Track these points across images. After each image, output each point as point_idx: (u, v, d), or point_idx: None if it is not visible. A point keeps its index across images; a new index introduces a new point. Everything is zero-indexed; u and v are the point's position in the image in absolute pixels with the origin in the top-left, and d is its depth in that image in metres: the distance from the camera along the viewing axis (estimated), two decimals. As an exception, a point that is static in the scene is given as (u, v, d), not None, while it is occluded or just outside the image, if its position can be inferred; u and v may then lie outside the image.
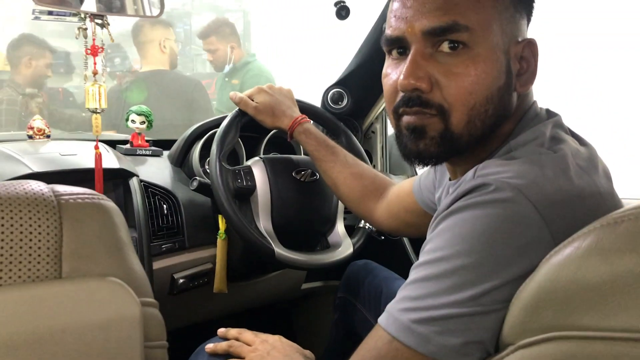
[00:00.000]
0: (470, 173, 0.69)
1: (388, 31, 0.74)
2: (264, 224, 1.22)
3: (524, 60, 0.73)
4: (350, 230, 1.35)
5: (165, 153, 1.47)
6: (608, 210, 0.55)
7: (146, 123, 1.45)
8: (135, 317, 0.46)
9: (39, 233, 0.43)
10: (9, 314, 0.40)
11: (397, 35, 0.72)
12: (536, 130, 0.71)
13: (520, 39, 0.73)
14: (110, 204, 0.51)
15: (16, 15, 4.10)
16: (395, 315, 0.64)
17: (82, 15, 1.02)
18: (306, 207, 1.27)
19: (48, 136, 1.39)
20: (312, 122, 1.21)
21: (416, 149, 0.73)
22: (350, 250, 1.29)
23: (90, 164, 1.16)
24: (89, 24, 1.02)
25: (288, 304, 1.72)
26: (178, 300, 1.31)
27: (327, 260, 1.25)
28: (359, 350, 0.68)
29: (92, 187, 1.13)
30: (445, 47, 0.69)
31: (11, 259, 0.42)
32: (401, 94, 0.72)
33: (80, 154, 1.24)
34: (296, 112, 1.21)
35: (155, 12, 1.09)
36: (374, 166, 1.64)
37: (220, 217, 1.27)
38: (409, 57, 0.71)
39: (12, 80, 2.69)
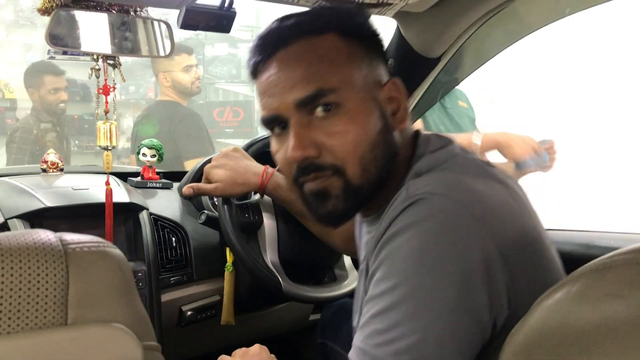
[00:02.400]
0: (401, 195, 0.71)
1: (264, 112, 0.79)
2: (271, 257, 1.23)
3: (393, 100, 0.79)
4: (357, 263, 1.37)
5: (176, 185, 1.50)
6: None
7: (157, 156, 1.48)
8: (137, 361, 0.48)
9: (47, 282, 0.45)
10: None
11: (274, 113, 0.77)
12: (432, 156, 0.77)
13: (383, 82, 0.79)
14: (115, 250, 0.53)
15: (34, 43, 4.22)
16: (370, 352, 0.65)
17: (95, 57, 1.05)
18: (312, 241, 1.28)
19: (61, 169, 1.43)
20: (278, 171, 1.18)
21: (326, 211, 0.78)
22: (357, 282, 1.30)
23: (101, 198, 1.19)
24: (101, 64, 1.06)
25: (296, 335, 1.72)
26: (186, 333, 1.33)
27: (333, 293, 1.26)
28: None
29: (102, 220, 1.16)
30: (319, 112, 0.75)
31: (19, 307, 0.44)
32: (295, 166, 0.76)
33: (92, 188, 1.27)
34: (258, 168, 1.18)
35: (166, 51, 1.13)
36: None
37: (227, 250, 1.29)
38: (291, 130, 0.75)
39: (34, 109, 2.75)
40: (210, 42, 4.36)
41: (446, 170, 0.74)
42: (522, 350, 0.56)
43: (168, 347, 1.25)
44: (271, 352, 1.46)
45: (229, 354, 1.08)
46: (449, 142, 0.80)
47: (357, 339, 0.67)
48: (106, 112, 1.08)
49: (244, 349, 0.93)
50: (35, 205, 1.15)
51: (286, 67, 0.75)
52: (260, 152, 1.27)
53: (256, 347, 0.93)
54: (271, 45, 0.77)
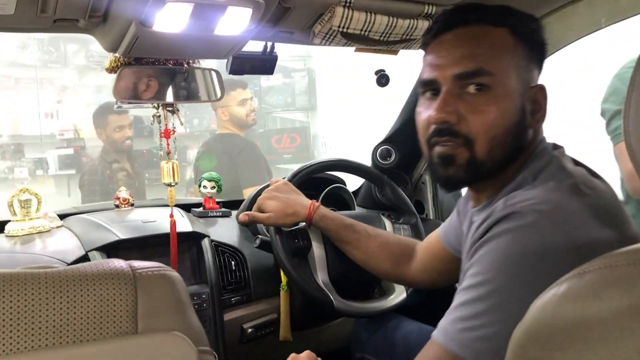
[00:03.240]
0: (500, 203, 0.80)
1: (425, 75, 0.89)
2: (322, 277, 1.34)
3: (536, 102, 0.88)
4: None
5: (234, 213, 1.64)
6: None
7: (216, 187, 1.63)
8: (193, 363, 0.60)
9: (120, 299, 0.58)
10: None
11: (431, 78, 0.88)
12: (544, 162, 0.84)
13: (533, 85, 0.88)
14: (173, 273, 0.65)
15: (104, 84, 4.53)
16: (453, 334, 0.74)
17: (155, 105, 1.20)
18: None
19: (132, 204, 1.59)
20: (322, 205, 1.29)
21: (446, 175, 0.88)
22: (404, 295, 1.39)
23: (167, 229, 1.33)
24: (161, 111, 1.21)
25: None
26: (248, 349, 1.44)
27: (382, 307, 1.35)
28: None
29: (169, 248, 1.30)
30: (471, 88, 0.84)
31: (100, 320, 0.56)
32: (433, 127, 0.86)
33: (159, 220, 1.41)
34: (306, 201, 1.28)
35: (217, 95, 1.27)
36: (426, 215, 1.74)
37: (282, 271, 1.41)
38: (441, 95, 0.86)
39: (103, 149, 2.98)
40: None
41: (548, 185, 0.80)
42: (519, 347, 0.63)
43: (231, 364, 1.37)
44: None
45: None
46: (560, 153, 0.88)
47: (444, 321, 0.77)
48: (168, 153, 1.22)
49: (294, 354, 1.03)
50: (111, 238, 1.31)
51: (458, 42, 0.86)
52: (304, 181, 1.38)
53: (306, 354, 1.03)
54: (452, 22, 0.87)
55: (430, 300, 1.52)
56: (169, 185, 1.25)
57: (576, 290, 0.60)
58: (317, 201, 1.56)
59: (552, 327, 0.61)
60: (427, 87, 0.89)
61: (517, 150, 0.86)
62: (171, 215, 1.29)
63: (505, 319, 0.70)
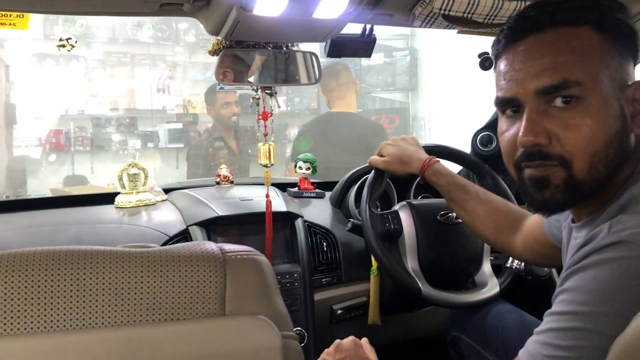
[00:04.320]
0: (604, 228, 0.71)
1: (499, 93, 0.80)
2: (412, 264, 1.32)
3: (636, 102, 0.77)
4: (498, 269, 1.40)
5: (328, 194, 1.65)
6: None
7: (311, 169, 1.65)
8: (277, 346, 0.60)
9: (210, 281, 0.60)
10: (186, 341, 0.57)
11: (510, 96, 0.78)
12: None
13: (630, 82, 0.77)
14: (262, 258, 0.66)
15: (212, 62, 4.68)
16: (538, 358, 0.71)
17: (254, 87, 1.23)
18: (452, 248, 1.35)
19: (232, 182, 1.65)
20: (441, 162, 1.27)
21: (542, 199, 0.78)
22: (497, 289, 1.34)
23: (263, 208, 1.36)
24: (260, 94, 1.23)
25: (437, 339, 1.78)
26: (337, 330, 1.46)
27: (473, 299, 1.31)
28: None
29: (264, 227, 1.34)
30: (558, 102, 0.75)
31: (190, 300, 0.59)
32: (521, 150, 0.78)
33: (256, 199, 1.45)
34: (423, 155, 1.27)
35: (316, 78, 1.27)
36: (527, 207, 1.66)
37: (372, 255, 1.40)
38: (525, 115, 0.77)
39: (212, 126, 3.11)
40: (367, 53, 4.51)
41: None
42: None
43: (321, 342, 1.40)
44: (409, 354, 1.54)
45: (378, 353, 1.20)
46: None
47: (531, 344, 0.73)
48: (265, 135, 1.25)
49: (338, 340, 1.04)
50: (210, 214, 1.36)
51: (535, 54, 0.76)
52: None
53: (350, 339, 1.03)
54: (524, 30, 0.78)
55: (530, 289, 1.46)
56: (265, 166, 1.28)
57: None
58: (412, 188, 1.55)
59: None
60: (506, 105, 0.80)
61: (621, 163, 0.76)
62: (267, 195, 1.32)
63: (597, 353, 0.65)
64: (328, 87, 2.73)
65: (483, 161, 1.49)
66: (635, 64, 0.80)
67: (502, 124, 0.83)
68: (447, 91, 4.15)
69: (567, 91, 0.74)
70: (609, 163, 0.75)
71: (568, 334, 0.68)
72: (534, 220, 1.15)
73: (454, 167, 1.58)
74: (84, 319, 0.56)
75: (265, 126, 1.24)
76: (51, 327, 0.55)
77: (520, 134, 0.77)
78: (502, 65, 0.80)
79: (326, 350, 1.06)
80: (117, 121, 4.53)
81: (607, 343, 0.63)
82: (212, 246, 0.63)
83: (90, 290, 0.56)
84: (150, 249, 0.61)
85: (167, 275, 0.59)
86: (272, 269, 0.68)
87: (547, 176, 0.77)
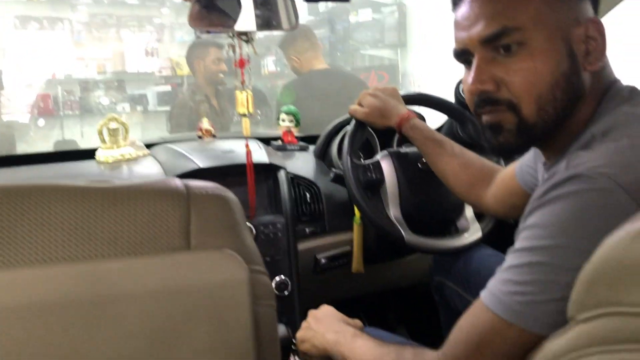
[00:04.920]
0: (563, 164, 0.72)
1: (455, 45, 0.82)
2: (394, 212, 1.32)
3: (590, 39, 0.76)
4: (481, 215, 1.40)
5: (312, 147, 1.64)
6: None
7: (294, 121, 1.63)
8: (244, 279, 0.60)
9: (173, 216, 0.59)
10: (150, 274, 0.57)
11: (462, 47, 0.81)
12: (617, 113, 0.74)
13: (582, 20, 0.76)
14: (229, 194, 0.66)
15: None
16: (500, 297, 0.70)
17: (230, 34, 1.20)
18: (433, 195, 1.35)
19: (214, 136, 1.63)
20: (417, 117, 1.27)
21: (498, 143, 0.81)
22: (479, 234, 1.34)
23: (245, 159, 1.35)
24: (235, 40, 1.21)
25: (423, 288, 1.81)
26: (321, 279, 1.47)
27: (455, 244, 1.32)
28: (462, 325, 0.75)
29: (246, 178, 1.33)
30: (502, 49, 0.76)
31: (154, 234, 0.58)
32: (474, 98, 0.80)
33: (238, 151, 1.44)
34: (402, 110, 1.27)
35: (292, 25, 1.24)
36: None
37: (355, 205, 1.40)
38: (474, 64, 0.79)
39: (194, 84, 3.07)
40: (355, 9, 4.44)
41: (620, 143, 0.69)
42: (587, 284, 0.59)
43: (306, 291, 1.41)
44: (401, 302, 1.55)
45: (359, 302, 1.21)
46: (634, 95, 0.77)
47: (493, 283, 0.73)
48: (242, 83, 1.23)
49: (314, 310, 1.04)
50: (191, 167, 1.36)
51: (477, 3, 0.78)
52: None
53: (325, 307, 1.03)
54: None
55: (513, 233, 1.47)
56: (244, 115, 1.26)
57: None
58: (395, 138, 1.54)
59: (624, 266, 0.56)
60: (460, 57, 0.82)
61: (573, 103, 0.76)
62: (247, 145, 1.30)
63: (556, 287, 0.65)
64: (301, 48, 2.74)
65: (466, 109, 1.48)
66: (594, 1, 0.79)
67: (464, 75, 0.84)
68: (436, 47, 4.09)
69: (508, 38, 0.75)
70: (558, 104, 0.76)
71: (526, 269, 0.68)
72: (506, 171, 1.15)
73: (435, 120, 1.57)
74: (45, 254, 0.55)
75: (242, 74, 1.22)
76: (12, 261, 0.54)
77: (468, 83, 0.79)
78: (456, 16, 0.82)
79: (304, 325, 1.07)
80: (105, 84, 4.47)
81: (566, 276, 0.63)
82: (176, 182, 0.63)
83: (51, 224, 0.56)
84: (111, 184, 0.60)
85: (129, 209, 0.58)
86: (240, 206, 0.68)
87: (499, 121, 0.79)
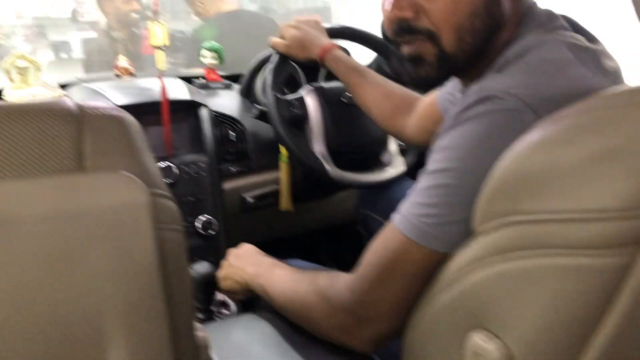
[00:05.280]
0: (475, 87, 0.72)
1: None
2: (319, 147, 1.31)
3: None
4: (405, 150, 1.41)
5: (236, 87, 1.60)
6: None
7: (218, 58, 1.58)
8: (144, 203, 0.58)
9: (64, 136, 0.55)
10: (39, 197, 0.53)
11: None
12: (532, 37, 0.73)
13: None
14: (128, 117, 0.62)
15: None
16: (410, 219, 0.70)
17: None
18: (358, 130, 1.34)
19: (133, 74, 1.56)
20: (340, 49, 1.25)
21: (418, 76, 0.80)
22: (402, 168, 1.36)
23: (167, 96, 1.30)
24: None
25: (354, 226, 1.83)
26: (250, 218, 1.46)
27: (379, 178, 1.33)
28: (373, 248, 0.74)
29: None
30: None
31: (42, 156, 0.54)
32: (394, 25, 0.78)
33: (156, 89, 1.38)
34: (325, 41, 1.25)
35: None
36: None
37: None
38: None
39: (107, 25, 2.92)
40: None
41: (531, 65, 0.70)
42: (489, 196, 0.60)
43: (234, 231, 1.40)
44: (324, 241, 1.55)
45: (291, 242, 1.20)
46: (550, 19, 0.76)
47: (403, 205, 0.73)
48: (155, 12, 1.16)
49: (233, 249, 1.03)
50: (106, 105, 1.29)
51: None
52: None
53: (245, 245, 1.03)
54: None
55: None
56: (158, 48, 1.20)
57: (549, 137, 0.55)
58: (323, 73, 1.51)
59: (521, 176, 0.57)
60: None
61: (493, 31, 0.76)
62: (160, 79, 1.25)
63: (462, 208, 0.65)
64: None
65: (392, 44, 1.47)
66: None
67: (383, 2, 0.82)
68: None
69: None
70: (477, 34, 0.75)
71: (434, 191, 0.68)
72: (427, 99, 1.15)
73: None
74: None
75: (156, 3, 1.15)
76: None
77: (388, 8, 0.77)
78: None
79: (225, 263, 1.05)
80: (24, 30, 4.20)
81: (472, 197, 0.63)
82: (69, 102, 0.58)
83: None
84: None
85: (14, 129, 0.54)
86: (141, 130, 0.64)
87: (420, 53, 0.78)
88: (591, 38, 0.76)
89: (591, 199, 0.51)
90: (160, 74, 1.25)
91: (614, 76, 0.73)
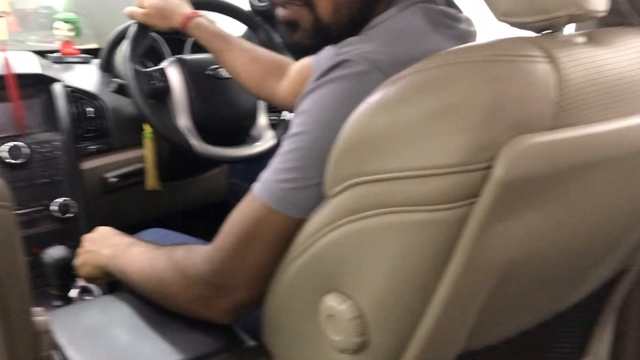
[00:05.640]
0: (332, 51, 0.71)
1: None
2: (184, 122, 1.26)
3: None
4: (275, 124, 1.40)
5: (95, 61, 1.50)
6: None
7: (74, 30, 1.47)
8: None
9: None
10: None
11: None
12: (401, 7, 0.74)
13: None
14: None
15: None
16: (268, 185, 0.68)
17: None
18: (225, 103, 1.31)
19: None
20: (204, 16, 1.21)
21: (292, 41, 0.80)
22: (272, 142, 1.35)
23: (11, 70, 1.19)
24: None
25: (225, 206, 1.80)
26: (114, 199, 1.38)
27: (249, 152, 1.31)
28: (232, 217, 0.72)
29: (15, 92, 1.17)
30: None
31: None
32: None
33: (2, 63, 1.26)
34: (186, 9, 1.20)
35: None
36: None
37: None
38: None
39: None
40: None
41: (391, 33, 0.71)
42: (335, 160, 0.60)
43: (96, 214, 1.31)
44: (198, 221, 1.50)
45: (162, 223, 1.15)
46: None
47: (265, 172, 0.71)
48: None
49: (88, 234, 0.97)
50: None
51: None
52: None
53: (100, 228, 0.97)
54: None
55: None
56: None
57: (389, 97, 0.56)
58: (189, 45, 1.46)
59: (364, 138, 0.57)
60: None
61: (369, 3, 0.76)
62: (3, 50, 1.14)
63: (317, 172, 0.64)
64: None
65: (260, 16, 1.44)
66: None
67: None
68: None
69: None
70: (353, 5, 0.75)
71: (291, 155, 0.67)
72: (302, 63, 1.14)
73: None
74: None
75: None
76: None
77: None
78: None
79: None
80: None
81: (325, 161, 0.63)
82: None
83: None
84: None
85: None
86: None
87: (296, 19, 0.77)
88: (453, 8, 0.78)
89: (428, 156, 0.52)
90: (3, 46, 1.14)
91: (466, 40, 0.75)
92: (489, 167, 0.50)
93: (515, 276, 0.60)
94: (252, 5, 1.53)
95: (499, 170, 0.49)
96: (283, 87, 1.15)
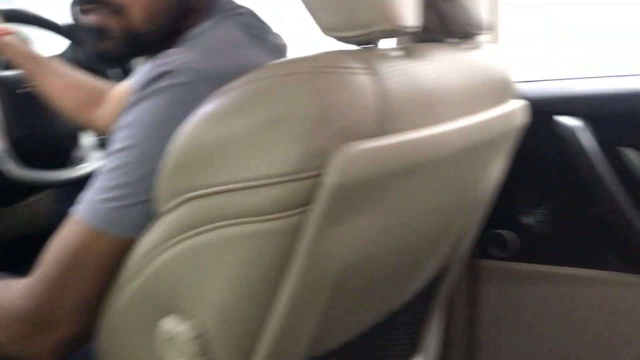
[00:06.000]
0: (153, 63, 0.69)
1: None
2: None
3: None
4: (103, 144, 1.32)
5: None
6: None
7: None
8: None
9: None
10: None
11: None
12: (216, 18, 0.74)
13: None
14: None
15: None
16: (94, 205, 0.63)
17: None
18: (42, 124, 1.21)
19: None
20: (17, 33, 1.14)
21: (100, 49, 0.75)
22: (100, 163, 1.26)
23: None
24: None
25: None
26: None
27: (70, 175, 1.21)
28: (52, 245, 0.66)
29: None
30: None
31: None
32: None
33: None
34: None
35: None
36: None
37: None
38: None
39: None
40: None
41: (210, 44, 0.70)
42: (166, 175, 0.58)
43: None
44: (21, 250, 1.37)
45: None
46: (232, 7, 0.76)
47: (88, 192, 0.65)
48: None
49: None
50: None
51: None
52: None
53: None
54: None
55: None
56: None
57: (220, 108, 0.55)
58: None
59: (195, 151, 0.55)
60: None
61: (186, 14, 0.75)
62: None
63: (143, 188, 0.62)
64: None
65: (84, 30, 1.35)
66: None
67: None
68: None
69: None
70: (169, 14, 0.74)
71: (117, 172, 0.63)
72: (122, 87, 1.10)
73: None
74: None
75: None
76: None
77: None
78: None
79: None
80: None
81: (151, 176, 0.61)
82: None
83: None
84: None
85: None
86: None
87: (104, 26, 0.73)
88: (263, 22, 0.79)
89: (261, 166, 0.52)
90: None
91: (280, 53, 0.78)
92: (319, 175, 0.51)
93: (351, 279, 0.62)
94: (74, 18, 1.43)
95: (330, 177, 0.51)
96: (102, 113, 1.11)
